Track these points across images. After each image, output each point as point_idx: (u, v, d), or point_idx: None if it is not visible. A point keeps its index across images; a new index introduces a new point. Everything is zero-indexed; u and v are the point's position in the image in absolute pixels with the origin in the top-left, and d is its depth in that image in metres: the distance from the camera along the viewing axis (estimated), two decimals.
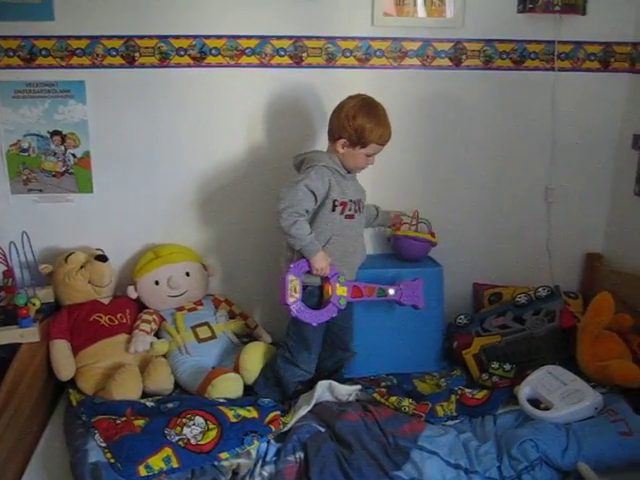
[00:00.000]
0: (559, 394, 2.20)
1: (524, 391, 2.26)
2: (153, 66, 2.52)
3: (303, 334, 2.33)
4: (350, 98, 2.28)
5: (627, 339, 2.44)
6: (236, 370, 2.38)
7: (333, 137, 2.30)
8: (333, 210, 2.27)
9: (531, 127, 2.75)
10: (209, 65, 2.54)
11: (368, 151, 2.28)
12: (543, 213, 2.86)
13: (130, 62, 2.50)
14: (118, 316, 2.52)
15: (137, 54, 2.50)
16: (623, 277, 2.68)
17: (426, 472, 1.94)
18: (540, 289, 2.62)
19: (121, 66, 2.51)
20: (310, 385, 2.34)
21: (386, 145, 2.30)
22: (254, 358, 2.40)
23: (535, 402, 2.22)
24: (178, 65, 2.53)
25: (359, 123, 2.22)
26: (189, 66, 2.53)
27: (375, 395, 2.30)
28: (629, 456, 1.99)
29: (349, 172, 2.34)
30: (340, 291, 2.29)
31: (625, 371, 2.25)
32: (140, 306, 2.62)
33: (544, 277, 2.85)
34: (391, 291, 2.41)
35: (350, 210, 2.32)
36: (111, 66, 2.50)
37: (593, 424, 2.10)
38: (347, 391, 2.31)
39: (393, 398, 2.27)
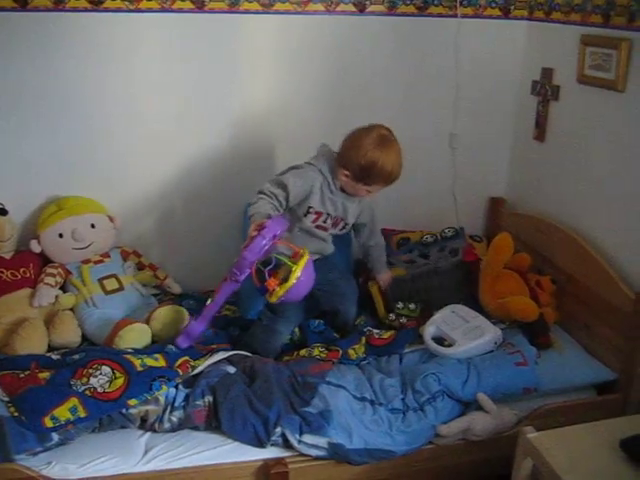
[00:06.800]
0: (461, 331, 2.29)
1: (429, 330, 2.34)
2: (47, 10, 2.40)
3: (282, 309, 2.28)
4: (366, 133, 2.14)
5: (526, 277, 2.55)
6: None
7: (339, 162, 2.18)
8: (305, 215, 2.21)
9: (435, 74, 2.79)
10: (108, 9, 2.45)
11: (372, 189, 2.20)
12: (448, 159, 2.92)
13: (22, 5, 2.38)
14: (21, 271, 2.46)
15: None
16: (524, 219, 2.79)
17: (333, 404, 2.00)
18: (446, 230, 2.72)
19: (12, 9, 2.38)
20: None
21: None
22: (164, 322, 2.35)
23: (439, 340, 2.31)
24: (74, 9, 2.42)
25: (368, 161, 2.10)
26: (86, 10, 2.43)
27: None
28: (523, 383, 2.12)
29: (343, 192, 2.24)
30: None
31: (522, 306, 2.36)
32: (44, 260, 2.55)
33: (450, 222, 2.91)
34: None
35: (325, 222, 2.25)
36: (3, 9, 2.37)
37: (492, 357, 2.21)
38: None
39: (303, 350, 2.31)
